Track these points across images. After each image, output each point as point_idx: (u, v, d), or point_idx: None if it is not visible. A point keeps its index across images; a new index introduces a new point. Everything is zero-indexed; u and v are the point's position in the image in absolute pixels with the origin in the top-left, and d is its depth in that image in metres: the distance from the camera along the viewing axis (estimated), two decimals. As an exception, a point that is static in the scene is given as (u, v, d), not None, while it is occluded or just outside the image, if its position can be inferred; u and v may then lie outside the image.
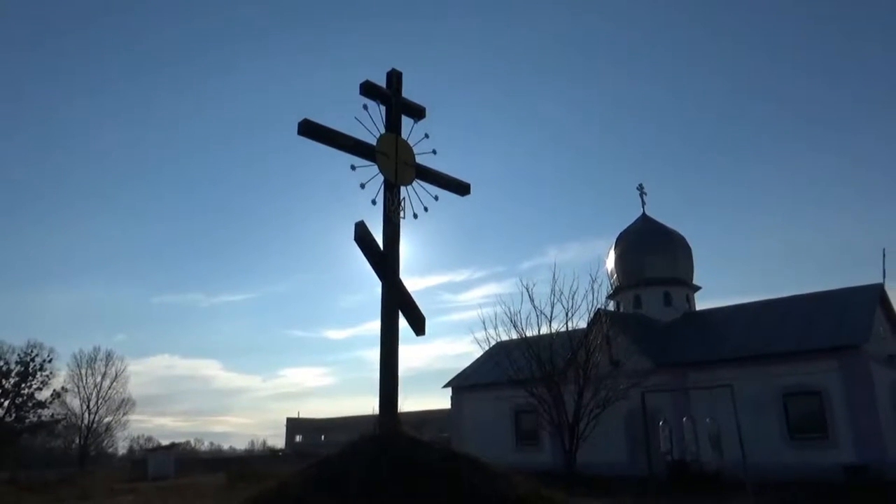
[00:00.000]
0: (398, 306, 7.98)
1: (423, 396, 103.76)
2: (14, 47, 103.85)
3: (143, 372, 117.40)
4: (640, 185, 35.76)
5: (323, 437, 69.21)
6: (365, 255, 7.93)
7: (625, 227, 35.29)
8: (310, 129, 7.73)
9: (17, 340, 68.94)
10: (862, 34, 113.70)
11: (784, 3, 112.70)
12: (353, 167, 8.03)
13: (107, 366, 56.99)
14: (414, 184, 8.66)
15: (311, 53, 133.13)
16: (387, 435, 7.35)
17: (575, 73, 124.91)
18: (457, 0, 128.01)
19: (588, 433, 23.33)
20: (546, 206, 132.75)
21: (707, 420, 17.83)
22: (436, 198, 8.88)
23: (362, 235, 7.85)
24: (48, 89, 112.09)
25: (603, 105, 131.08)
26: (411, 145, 8.88)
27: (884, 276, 25.62)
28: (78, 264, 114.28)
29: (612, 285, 32.71)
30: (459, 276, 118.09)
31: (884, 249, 26.27)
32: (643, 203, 35.35)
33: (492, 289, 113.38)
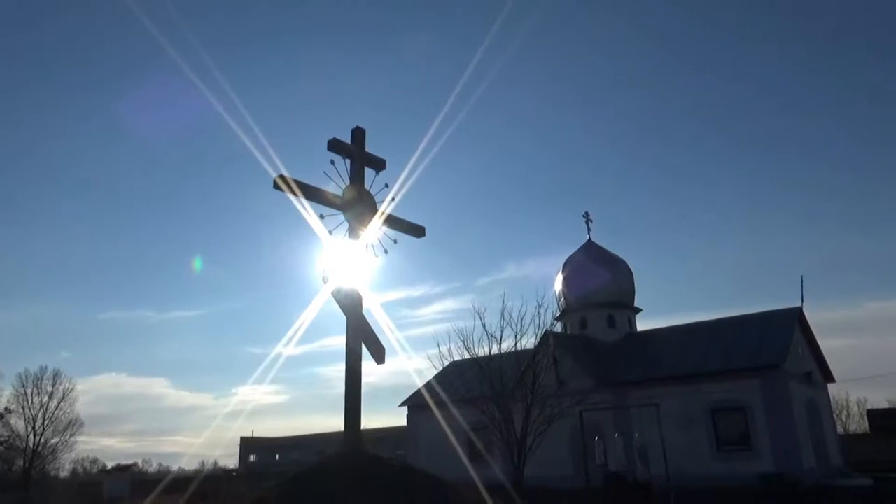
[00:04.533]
0: (361, 339, 9.20)
1: (380, 412, 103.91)
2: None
3: (88, 391, 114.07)
4: (586, 213, 37.93)
5: (277, 456, 68.92)
6: (330, 294, 9.11)
7: (572, 251, 37.42)
8: (283, 184, 8.89)
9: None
10: (795, 63, 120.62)
11: (725, 33, 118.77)
12: (321, 216, 9.28)
13: (54, 385, 55.75)
14: (375, 228, 9.92)
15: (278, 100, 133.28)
16: (351, 453, 8.53)
17: (534, 94, 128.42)
18: (406, 30, 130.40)
19: (535, 448, 24.70)
20: (503, 222, 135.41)
21: (636, 435, 19.56)
22: (395, 241, 10.16)
23: (327, 278, 9.07)
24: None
25: (559, 129, 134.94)
26: (373, 194, 10.12)
27: (802, 301, 28.08)
28: (20, 279, 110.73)
29: (559, 307, 34.56)
30: (417, 291, 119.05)
31: (801, 276, 28.78)
32: (589, 230, 37.54)
33: (449, 304, 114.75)
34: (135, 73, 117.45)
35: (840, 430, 52.66)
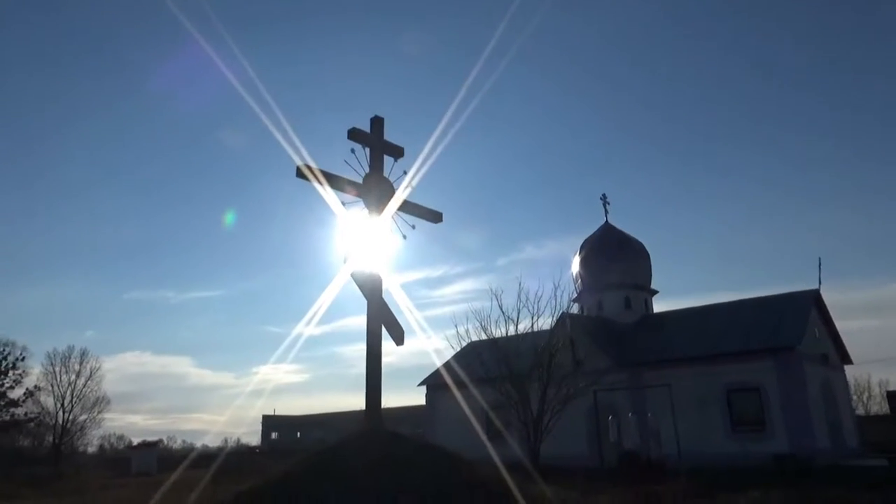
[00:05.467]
0: (381, 321, 9.59)
1: (400, 391, 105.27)
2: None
3: (113, 369, 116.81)
4: (604, 195, 37.98)
5: (299, 433, 70.05)
6: (353, 279, 9.50)
7: (590, 233, 37.53)
8: (306, 172, 9.23)
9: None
10: (814, 44, 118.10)
11: (748, 15, 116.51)
12: (343, 204, 9.65)
13: (81, 363, 57.06)
14: (394, 214, 10.24)
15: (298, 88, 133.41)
16: (372, 431, 8.98)
17: (551, 77, 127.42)
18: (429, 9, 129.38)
19: (551, 427, 25.10)
20: (522, 204, 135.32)
21: (648, 415, 19.91)
22: (413, 226, 10.49)
23: (349, 264, 9.46)
24: (14, 85, 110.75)
25: (576, 112, 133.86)
26: (391, 181, 10.43)
27: (819, 283, 28.06)
28: (46, 260, 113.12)
29: (576, 289, 34.78)
30: (436, 271, 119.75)
31: (819, 259, 28.74)
32: (606, 212, 37.60)
33: (468, 285, 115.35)
34: (157, 60, 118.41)
35: (861, 411, 52.55)
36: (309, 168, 9.16)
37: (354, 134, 10.10)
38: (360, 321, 9.49)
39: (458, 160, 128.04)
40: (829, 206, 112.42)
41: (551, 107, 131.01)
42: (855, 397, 53.44)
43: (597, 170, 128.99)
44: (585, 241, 37.01)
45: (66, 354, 56.73)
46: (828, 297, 28.24)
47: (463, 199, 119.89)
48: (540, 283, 31.47)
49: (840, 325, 29.84)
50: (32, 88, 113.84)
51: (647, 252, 36.30)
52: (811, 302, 27.09)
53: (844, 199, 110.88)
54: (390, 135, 10.59)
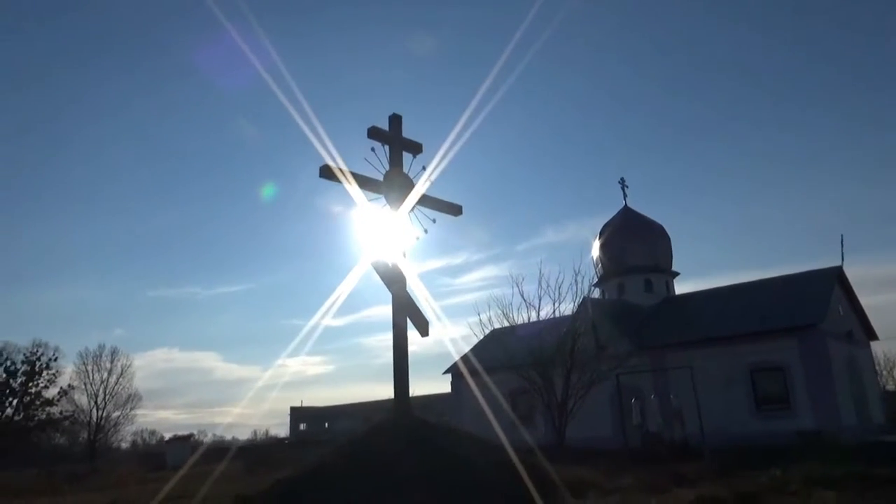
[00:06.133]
0: (406, 314, 9.88)
1: (425, 379, 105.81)
2: None
3: (142, 366, 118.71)
4: (622, 179, 37.92)
5: (327, 424, 70.96)
6: (378, 274, 9.80)
7: (609, 216, 37.58)
8: (329, 173, 9.54)
9: (21, 340, 70.08)
10: (829, 23, 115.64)
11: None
12: (367, 200, 9.95)
13: (112, 361, 58.42)
14: (414, 209, 10.51)
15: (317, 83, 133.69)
16: (401, 419, 9.33)
17: (572, 64, 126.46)
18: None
19: (576, 411, 25.37)
20: (542, 189, 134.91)
21: (671, 396, 20.07)
22: (433, 220, 10.75)
23: (372, 259, 9.77)
24: (38, 88, 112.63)
25: (596, 95, 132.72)
26: (411, 177, 10.68)
27: (842, 259, 27.90)
28: (71, 260, 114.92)
29: (597, 273, 34.86)
30: (457, 259, 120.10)
31: (842, 235, 28.59)
32: (625, 196, 37.56)
33: (490, 271, 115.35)
34: (170, 58, 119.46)
35: (891, 386, 51.93)
36: (332, 168, 9.46)
37: (374, 132, 10.34)
38: (383, 311, 9.85)
39: (478, 147, 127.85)
40: (851, 181, 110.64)
41: (569, 92, 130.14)
42: (884, 373, 52.89)
43: (615, 153, 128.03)
44: (605, 225, 37.05)
45: (98, 353, 58.19)
46: (853, 273, 28.19)
47: (483, 185, 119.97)
48: (560, 268, 31.63)
49: (866, 300, 29.77)
50: (50, 88, 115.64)
51: (667, 234, 36.24)
52: (834, 279, 26.94)
53: (867, 173, 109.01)
54: (414, 125, 10.81)
